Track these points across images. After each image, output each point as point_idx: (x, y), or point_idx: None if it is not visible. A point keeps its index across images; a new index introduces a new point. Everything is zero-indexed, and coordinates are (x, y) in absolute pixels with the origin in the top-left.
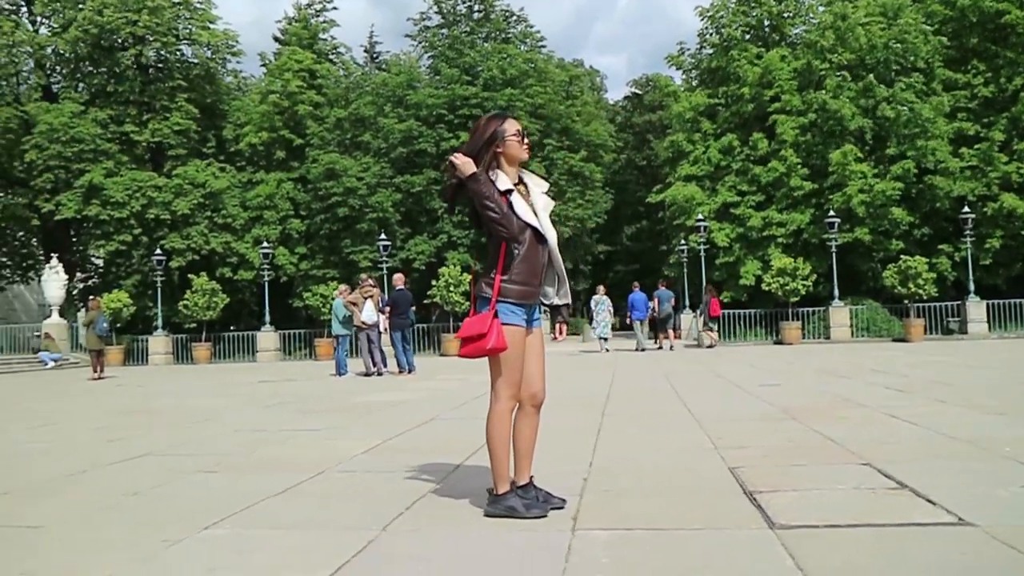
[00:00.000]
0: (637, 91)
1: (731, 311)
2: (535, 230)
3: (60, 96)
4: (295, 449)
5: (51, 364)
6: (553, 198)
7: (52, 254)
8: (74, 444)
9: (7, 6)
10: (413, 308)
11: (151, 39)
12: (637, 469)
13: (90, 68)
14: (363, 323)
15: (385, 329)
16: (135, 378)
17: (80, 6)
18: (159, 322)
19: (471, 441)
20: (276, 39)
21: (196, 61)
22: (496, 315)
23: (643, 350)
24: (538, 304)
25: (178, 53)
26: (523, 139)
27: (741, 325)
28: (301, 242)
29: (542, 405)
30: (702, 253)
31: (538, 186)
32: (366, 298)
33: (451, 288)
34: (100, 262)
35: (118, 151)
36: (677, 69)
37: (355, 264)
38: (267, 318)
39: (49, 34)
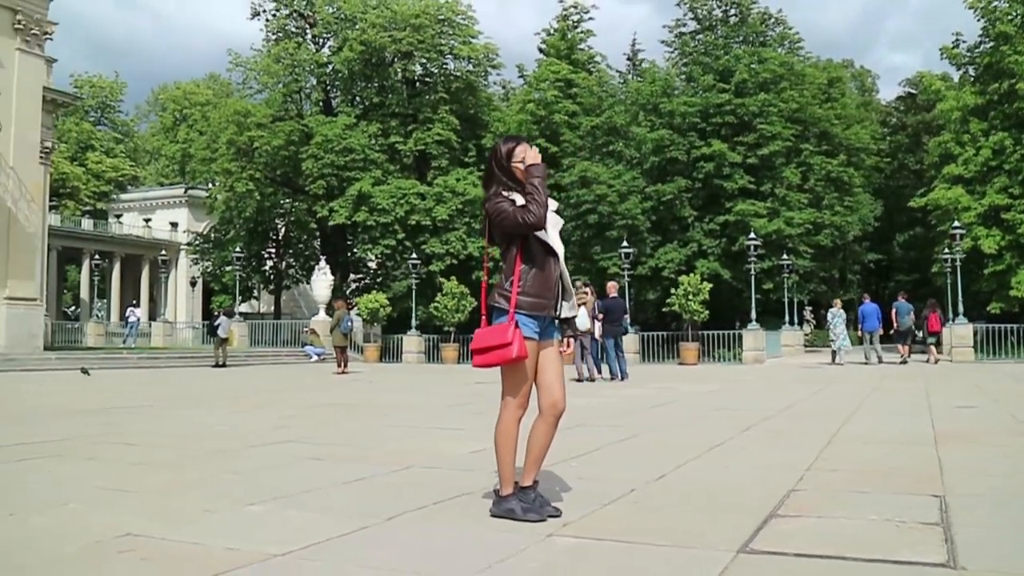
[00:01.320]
0: (911, 90)
1: (995, 325)
2: (547, 246)
3: (337, 110)
4: (417, 445)
5: (315, 358)
6: (562, 217)
7: (322, 256)
8: (248, 428)
9: (294, 29)
10: (627, 316)
11: (416, 55)
12: (691, 485)
13: (362, 84)
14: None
15: (599, 336)
16: (377, 375)
17: (354, 27)
18: (413, 322)
19: (577, 447)
20: (541, 50)
21: (458, 74)
22: (517, 325)
23: (880, 362)
24: (552, 317)
25: (441, 67)
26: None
27: (1005, 340)
28: None
29: (561, 415)
30: (958, 262)
31: (550, 205)
32: (579, 305)
33: (690, 297)
34: (373, 264)
35: (385, 160)
36: (951, 63)
37: (605, 271)
38: None
39: (329, 54)
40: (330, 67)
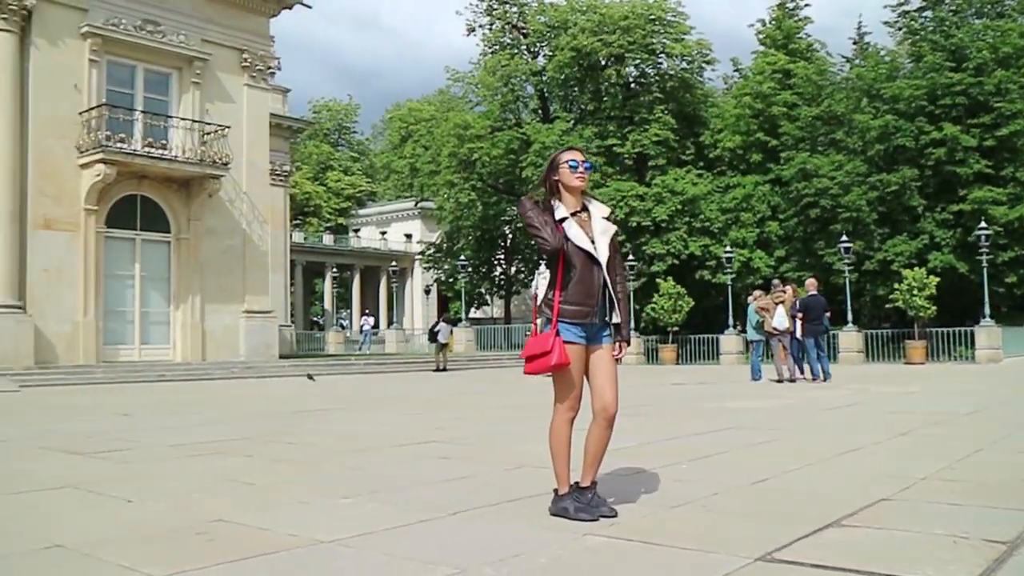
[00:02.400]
0: None
1: None
2: (588, 254)
3: (553, 117)
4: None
5: None
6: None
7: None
8: (407, 430)
9: (509, 41)
10: (827, 314)
11: (628, 57)
12: (778, 492)
13: (577, 89)
14: (774, 329)
15: (800, 336)
16: None
17: (565, 33)
18: (631, 324)
19: (704, 449)
20: (760, 42)
21: (672, 73)
22: (558, 333)
23: None
24: (600, 323)
25: (655, 67)
26: (580, 168)
27: None
28: (779, 244)
29: (613, 417)
30: None
31: (600, 211)
32: (777, 303)
33: (915, 292)
34: None
35: (603, 164)
36: None
37: (830, 266)
38: (730, 321)
39: (543, 62)
40: (545, 75)
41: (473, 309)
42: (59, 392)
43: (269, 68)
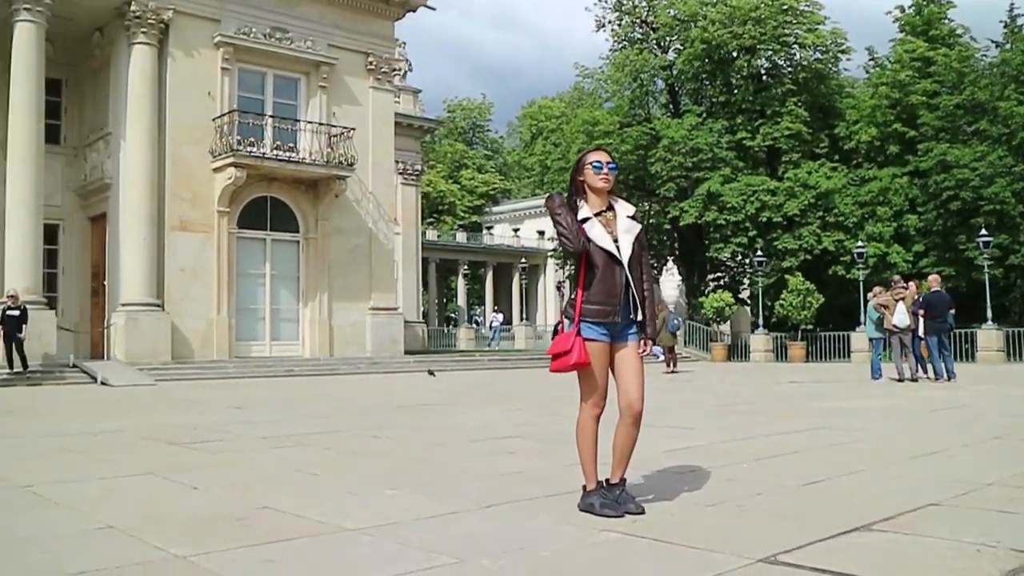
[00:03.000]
0: None
1: None
2: (610, 254)
3: (683, 111)
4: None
5: (661, 357)
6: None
7: (669, 258)
8: (493, 427)
9: (638, 36)
10: (952, 311)
11: (760, 48)
12: (824, 493)
13: (706, 83)
14: (894, 326)
15: (922, 333)
16: (707, 374)
17: (695, 26)
18: (760, 320)
19: (775, 449)
20: (900, 29)
21: (805, 64)
22: (579, 332)
23: None
24: (624, 321)
25: (788, 58)
26: (604, 169)
27: None
28: (918, 239)
29: (639, 415)
30: None
31: (625, 211)
32: (897, 300)
33: None
34: (728, 263)
35: (734, 158)
36: None
37: (971, 261)
38: (862, 318)
39: (673, 56)
40: (674, 69)
41: None
42: (189, 386)
43: (394, 70)
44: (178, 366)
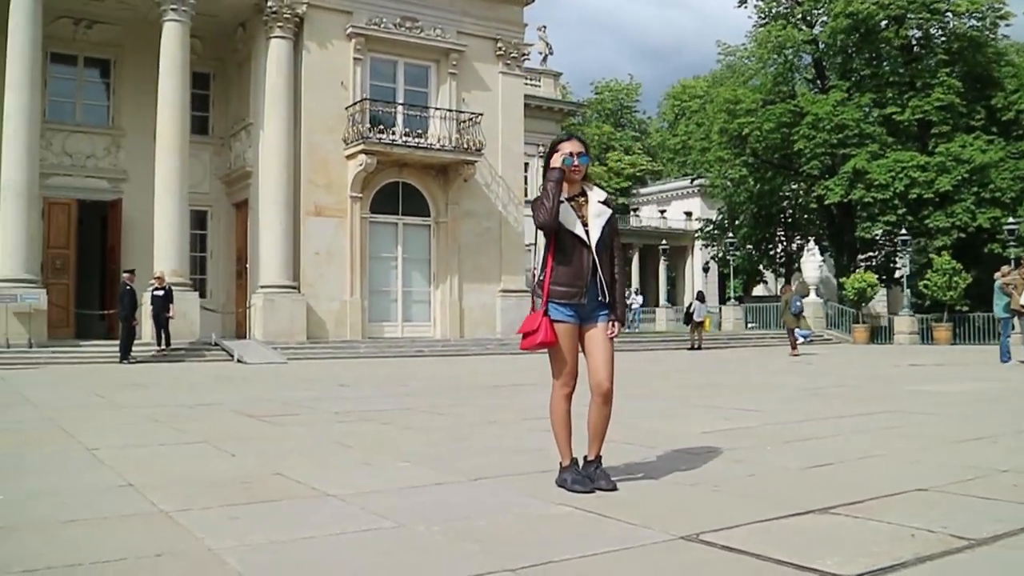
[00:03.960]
0: None
1: None
2: (578, 238)
3: (829, 87)
4: (664, 425)
5: (802, 340)
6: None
7: (811, 238)
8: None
9: (782, 10)
10: None
11: (910, 18)
12: (819, 476)
13: (853, 56)
14: (1021, 306)
15: None
16: (835, 357)
17: None
18: (905, 301)
19: (822, 431)
20: None
21: (959, 32)
22: (546, 313)
23: None
24: (593, 303)
25: (939, 27)
26: (574, 160)
27: None
28: None
29: (608, 393)
30: None
31: (596, 196)
32: (1016, 288)
33: None
34: (880, 241)
35: (881, 133)
36: None
37: None
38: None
39: (818, 30)
40: (820, 43)
41: (757, 287)
42: (316, 364)
43: (523, 55)
44: (312, 346)
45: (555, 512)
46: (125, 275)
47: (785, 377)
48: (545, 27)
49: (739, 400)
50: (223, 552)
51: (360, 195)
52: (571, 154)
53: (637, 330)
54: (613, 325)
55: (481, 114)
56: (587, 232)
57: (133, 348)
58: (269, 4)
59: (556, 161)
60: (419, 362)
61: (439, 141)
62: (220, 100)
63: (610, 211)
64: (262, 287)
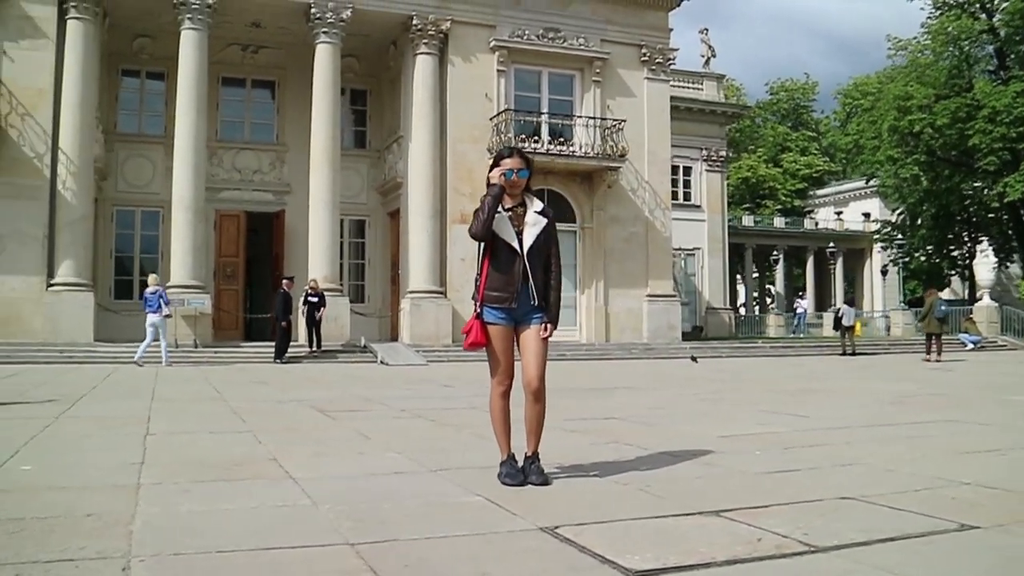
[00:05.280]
0: None
1: None
2: (510, 247)
3: (1009, 77)
4: (695, 428)
5: (970, 345)
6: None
7: (984, 238)
8: (632, 408)
9: (958, 0)
10: None
11: None
12: (774, 481)
13: None
14: None
15: None
16: (984, 364)
17: None
18: None
19: (804, 440)
20: None
21: None
22: (479, 316)
23: None
24: (527, 307)
25: None
26: (513, 175)
27: None
28: None
29: (537, 392)
30: None
31: (534, 207)
32: None
33: None
34: None
35: None
36: None
37: None
38: None
39: (1000, 17)
40: (1000, 32)
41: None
42: (453, 367)
43: (668, 60)
44: (450, 349)
45: (462, 501)
46: (284, 281)
47: (892, 384)
48: (707, 29)
49: (803, 406)
50: (140, 516)
51: None
52: (511, 169)
53: (802, 336)
54: (546, 327)
55: (624, 120)
56: (520, 241)
57: (289, 349)
58: (414, 22)
59: (495, 176)
60: (554, 365)
61: (582, 148)
62: (375, 115)
63: (546, 220)
64: (410, 292)
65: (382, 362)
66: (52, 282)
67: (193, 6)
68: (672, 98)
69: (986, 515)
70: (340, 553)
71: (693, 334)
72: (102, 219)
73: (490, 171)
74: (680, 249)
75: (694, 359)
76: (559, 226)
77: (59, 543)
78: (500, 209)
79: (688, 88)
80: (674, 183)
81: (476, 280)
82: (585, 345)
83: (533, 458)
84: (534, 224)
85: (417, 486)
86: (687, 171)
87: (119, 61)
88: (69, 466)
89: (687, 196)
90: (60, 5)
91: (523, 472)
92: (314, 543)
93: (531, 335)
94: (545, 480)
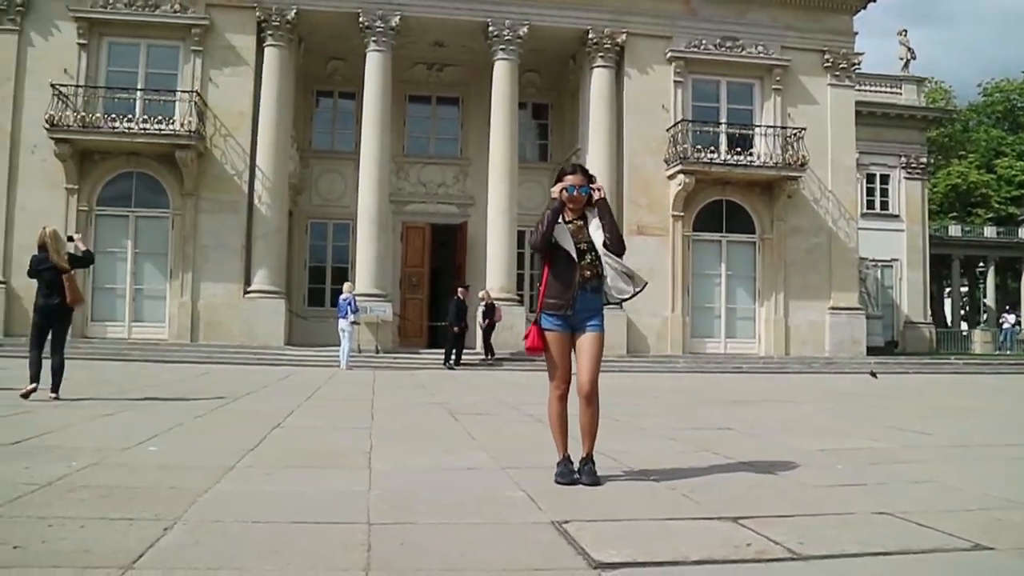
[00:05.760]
0: None
1: None
2: (570, 256)
3: None
4: (802, 442)
5: None
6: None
7: None
8: (779, 419)
9: None
10: None
11: None
12: (791, 485)
13: None
14: None
15: None
16: None
17: None
18: None
19: (878, 457)
20: None
21: None
22: (537, 322)
23: None
24: (577, 314)
25: None
26: (575, 192)
27: None
28: None
29: (589, 395)
30: None
31: (594, 219)
32: None
33: None
34: None
35: None
36: None
37: None
38: None
39: None
40: None
41: None
42: (624, 377)
43: (853, 65)
44: (623, 359)
45: (505, 495)
46: (459, 289)
47: None
48: (906, 31)
49: (938, 424)
50: (213, 491)
51: (682, 214)
52: (572, 186)
53: (1008, 353)
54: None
55: (804, 128)
56: (578, 251)
57: (463, 356)
58: (590, 36)
59: (556, 191)
60: (724, 377)
61: (759, 158)
62: (556, 128)
63: (602, 234)
64: None
65: None
66: (248, 289)
67: (377, 29)
68: (866, 103)
69: (1015, 538)
70: (353, 529)
71: (886, 349)
72: (297, 231)
73: (552, 185)
74: (875, 260)
75: (873, 374)
76: (738, 237)
77: (132, 507)
78: (560, 221)
79: (885, 92)
80: (869, 192)
81: (539, 289)
82: (763, 358)
83: (587, 459)
84: (597, 229)
85: (476, 480)
86: (884, 179)
87: (314, 83)
88: (189, 449)
89: (883, 205)
90: (259, 34)
91: (577, 472)
92: (339, 520)
93: (586, 341)
94: (595, 481)
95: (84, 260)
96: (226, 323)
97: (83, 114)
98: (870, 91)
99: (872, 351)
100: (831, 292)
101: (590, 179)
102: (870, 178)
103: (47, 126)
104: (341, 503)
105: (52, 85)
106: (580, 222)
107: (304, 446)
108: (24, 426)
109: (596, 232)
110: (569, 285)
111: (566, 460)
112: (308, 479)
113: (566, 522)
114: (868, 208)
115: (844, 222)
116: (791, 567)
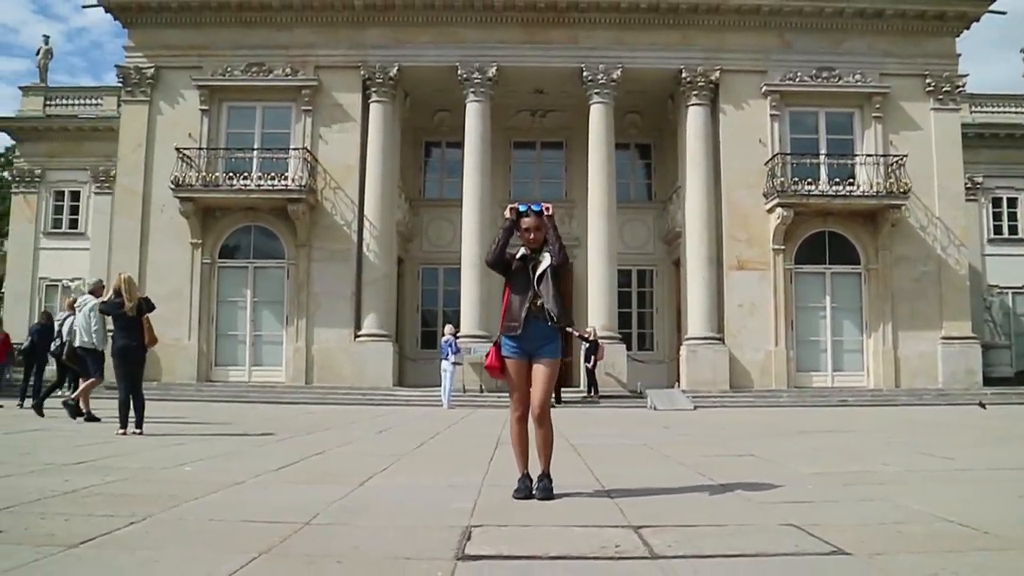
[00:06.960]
0: None
1: None
2: (525, 280)
3: None
4: (807, 466)
5: None
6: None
7: None
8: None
9: None
10: None
11: None
12: (743, 499)
13: None
14: None
15: None
16: None
17: None
18: None
19: (867, 479)
20: None
21: None
22: (497, 344)
23: None
24: (538, 341)
25: None
26: (531, 233)
27: None
28: None
29: (540, 417)
30: None
31: (546, 260)
32: None
33: None
34: None
35: None
36: None
37: None
38: None
39: None
40: None
41: None
42: (717, 412)
43: (957, 87)
44: (726, 395)
45: (451, 507)
46: (567, 330)
47: None
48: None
49: (972, 451)
50: (207, 499)
51: (783, 247)
52: (524, 204)
53: None
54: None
55: (905, 155)
56: (535, 281)
57: (563, 394)
58: (683, 75)
59: (507, 212)
60: (822, 411)
61: (859, 187)
62: (659, 167)
63: (549, 259)
64: (687, 339)
65: (652, 407)
66: (358, 333)
67: (475, 80)
68: (988, 125)
69: (883, 545)
70: (286, 527)
71: (1016, 380)
72: (409, 276)
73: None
74: (1005, 287)
75: (982, 405)
76: (842, 268)
77: (120, 507)
78: (519, 258)
79: (1010, 113)
80: (997, 216)
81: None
82: (871, 391)
83: (543, 476)
84: (545, 262)
85: (443, 495)
86: (1011, 203)
87: (423, 135)
88: (219, 470)
89: (1012, 229)
90: (364, 91)
91: (532, 489)
92: (283, 520)
93: (538, 370)
94: (548, 496)
95: (148, 307)
96: (337, 366)
97: (205, 174)
98: (993, 111)
99: (998, 382)
100: (942, 322)
101: (541, 220)
102: (996, 202)
103: (172, 186)
104: (300, 508)
105: (177, 149)
106: (538, 256)
107: (322, 468)
108: (92, 451)
109: (546, 262)
110: (522, 309)
111: (524, 477)
112: (296, 492)
113: (476, 526)
114: (996, 233)
115: (954, 248)
116: (635, 564)
